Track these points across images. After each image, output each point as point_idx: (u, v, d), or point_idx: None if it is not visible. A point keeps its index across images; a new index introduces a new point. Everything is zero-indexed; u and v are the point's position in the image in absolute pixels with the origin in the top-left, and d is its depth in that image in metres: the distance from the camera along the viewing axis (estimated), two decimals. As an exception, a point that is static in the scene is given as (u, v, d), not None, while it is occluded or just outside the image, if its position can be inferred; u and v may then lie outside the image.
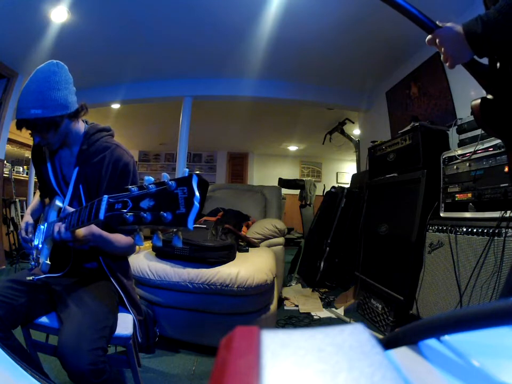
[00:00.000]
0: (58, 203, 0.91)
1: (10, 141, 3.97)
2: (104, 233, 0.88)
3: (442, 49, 0.75)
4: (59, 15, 2.26)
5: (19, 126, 0.87)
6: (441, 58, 0.77)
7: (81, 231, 0.80)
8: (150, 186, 0.52)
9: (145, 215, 0.51)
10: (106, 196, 0.60)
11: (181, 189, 0.49)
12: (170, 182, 0.50)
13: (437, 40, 0.74)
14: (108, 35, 2.59)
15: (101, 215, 0.58)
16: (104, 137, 1.01)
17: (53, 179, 0.98)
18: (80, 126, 0.98)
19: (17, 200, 3.51)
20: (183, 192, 0.48)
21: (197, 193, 0.48)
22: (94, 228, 0.84)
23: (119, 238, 0.93)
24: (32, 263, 0.94)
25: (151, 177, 0.55)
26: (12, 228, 3.36)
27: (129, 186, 0.55)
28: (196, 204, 0.47)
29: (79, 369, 0.70)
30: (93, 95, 3.62)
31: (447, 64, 0.76)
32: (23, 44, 2.60)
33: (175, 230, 0.52)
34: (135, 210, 0.52)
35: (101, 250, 0.93)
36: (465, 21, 0.71)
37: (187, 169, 0.51)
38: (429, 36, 0.76)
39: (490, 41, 0.69)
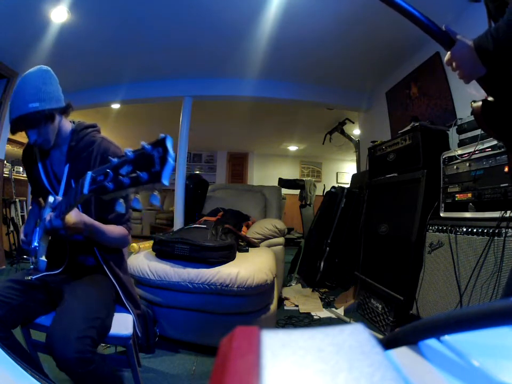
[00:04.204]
0: (51, 201, 0.91)
1: (10, 141, 3.96)
2: (96, 223, 0.89)
3: (459, 69, 0.76)
4: (59, 15, 2.26)
5: (15, 126, 0.89)
6: (458, 76, 0.78)
7: (71, 218, 0.80)
8: (129, 153, 0.54)
9: (124, 179, 0.53)
10: (89, 172, 0.62)
11: (156, 150, 0.50)
12: (146, 146, 0.52)
13: (454, 63, 0.76)
14: (108, 35, 2.59)
15: (85, 190, 0.60)
16: (91, 133, 1.03)
17: (44, 178, 1.00)
18: (68, 125, 1.01)
19: (17, 200, 3.51)
20: (158, 153, 0.50)
21: (171, 152, 0.49)
22: (85, 218, 0.85)
23: (112, 229, 0.95)
24: (32, 260, 0.94)
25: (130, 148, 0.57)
26: (12, 228, 3.35)
27: (110, 157, 0.57)
28: (170, 160, 0.49)
29: (65, 356, 0.70)
30: (93, 95, 3.62)
31: (464, 80, 0.78)
32: (23, 44, 2.60)
33: (152, 189, 0.53)
34: (117, 177, 0.54)
35: (95, 241, 0.93)
36: (476, 37, 0.73)
37: (162, 134, 0.52)
38: (446, 57, 0.78)
39: (501, 57, 0.70)
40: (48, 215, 0.79)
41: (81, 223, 0.83)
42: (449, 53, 0.77)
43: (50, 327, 0.77)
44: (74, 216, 0.80)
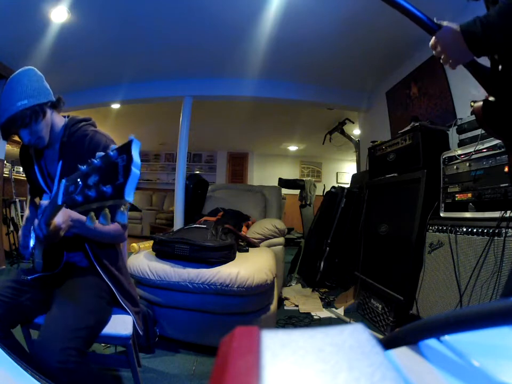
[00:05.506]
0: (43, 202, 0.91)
1: (10, 141, 3.95)
2: (83, 218, 0.87)
3: (443, 53, 0.76)
4: (59, 15, 2.26)
5: (6, 129, 0.87)
6: (441, 60, 0.78)
7: (58, 218, 0.77)
8: (95, 160, 0.47)
9: (90, 192, 0.46)
10: (64, 179, 0.57)
11: (121, 157, 0.43)
12: (111, 152, 0.45)
13: (438, 46, 0.76)
14: (108, 35, 2.59)
15: (59, 200, 0.56)
16: (84, 127, 1.01)
17: (40, 178, 0.99)
18: (60, 121, 1.00)
19: (17, 200, 3.50)
20: (122, 160, 0.43)
21: (136, 159, 0.42)
22: (72, 213, 0.83)
23: None
24: (29, 257, 0.95)
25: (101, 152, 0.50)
26: (11, 228, 3.35)
27: (79, 165, 0.51)
28: (134, 170, 0.42)
29: (47, 366, 0.70)
30: (93, 95, 3.62)
31: (449, 66, 0.77)
32: (23, 44, 2.60)
33: (120, 205, 0.46)
34: (84, 189, 0.48)
35: (86, 237, 0.92)
36: (463, 23, 0.72)
37: (131, 136, 0.45)
38: (431, 41, 0.78)
39: (489, 43, 0.70)
40: (36, 222, 0.77)
41: (69, 220, 0.82)
42: (434, 37, 0.76)
43: (38, 337, 0.76)
44: (60, 216, 0.78)
